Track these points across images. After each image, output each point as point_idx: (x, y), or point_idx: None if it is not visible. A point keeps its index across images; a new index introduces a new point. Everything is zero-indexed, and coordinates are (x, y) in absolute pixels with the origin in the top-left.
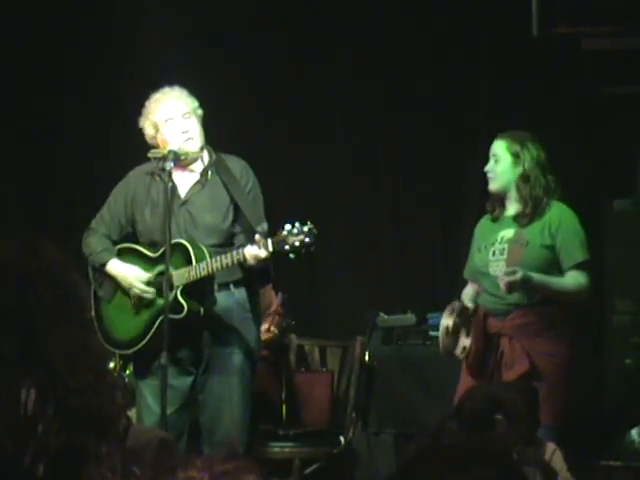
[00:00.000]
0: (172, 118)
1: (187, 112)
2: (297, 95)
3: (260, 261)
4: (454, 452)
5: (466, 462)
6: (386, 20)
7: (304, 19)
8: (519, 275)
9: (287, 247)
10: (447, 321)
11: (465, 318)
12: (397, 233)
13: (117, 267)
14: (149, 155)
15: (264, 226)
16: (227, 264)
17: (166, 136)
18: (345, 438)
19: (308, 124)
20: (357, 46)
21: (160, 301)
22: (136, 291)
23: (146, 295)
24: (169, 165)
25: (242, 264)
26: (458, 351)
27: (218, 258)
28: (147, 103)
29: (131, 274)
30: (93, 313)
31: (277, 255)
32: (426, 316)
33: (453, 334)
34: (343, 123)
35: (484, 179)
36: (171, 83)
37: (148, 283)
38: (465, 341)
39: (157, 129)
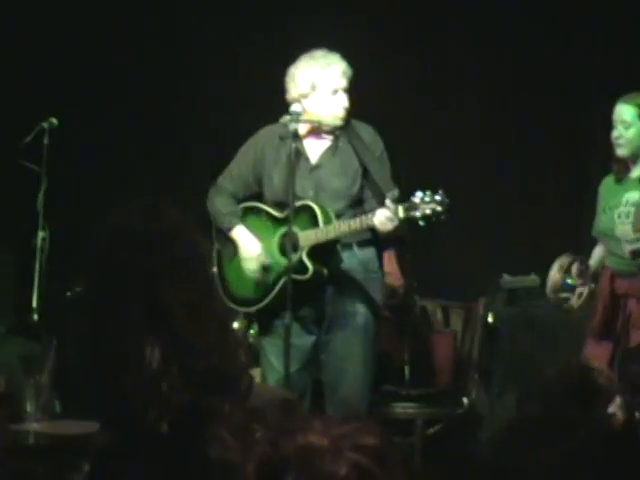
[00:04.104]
0: (338, 90)
1: (348, 86)
2: (428, 61)
3: (389, 227)
4: (540, 423)
5: (551, 432)
6: None
7: None
8: None
9: (418, 214)
10: (562, 260)
11: (583, 278)
12: (522, 194)
13: (242, 236)
14: (281, 121)
15: (395, 192)
16: (356, 228)
17: (323, 103)
18: (468, 399)
19: (438, 90)
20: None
21: (284, 261)
22: (246, 266)
23: (253, 275)
24: (294, 126)
25: (372, 229)
26: (574, 300)
27: (347, 222)
28: (312, 60)
29: (252, 250)
30: (216, 271)
31: (407, 222)
32: None
33: (565, 272)
34: (473, 91)
35: (609, 142)
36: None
37: (264, 267)
38: (581, 289)
39: (314, 90)
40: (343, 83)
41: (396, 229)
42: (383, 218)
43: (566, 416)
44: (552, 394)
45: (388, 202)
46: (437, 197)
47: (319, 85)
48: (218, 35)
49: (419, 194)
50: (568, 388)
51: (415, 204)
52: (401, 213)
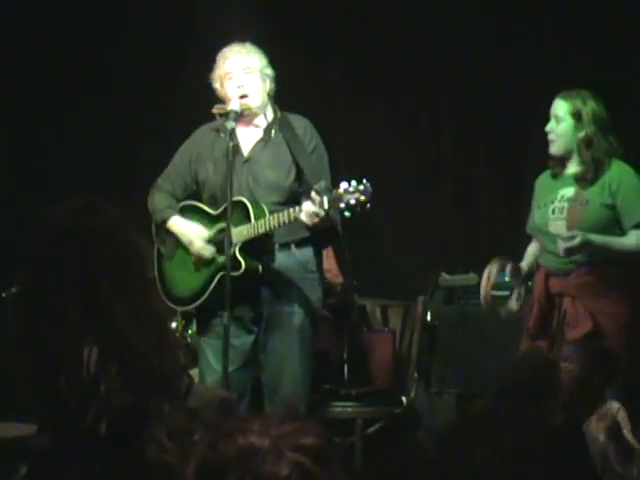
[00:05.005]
0: (232, 72)
1: (248, 67)
2: (362, 56)
3: (317, 219)
4: (484, 420)
5: (495, 430)
6: None
7: None
8: (577, 240)
9: (342, 205)
10: (490, 269)
11: (517, 279)
12: (459, 192)
13: (178, 224)
14: (213, 110)
15: (322, 184)
16: (284, 221)
17: (227, 90)
18: (407, 398)
19: (374, 87)
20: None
21: (220, 258)
22: (195, 248)
23: (205, 253)
24: (230, 124)
25: (303, 223)
26: (512, 302)
27: (275, 215)
28: (217, 57)
29: (192, 231)
30: (155, 270)
31: (336, 213)
32: None
33: (492, 285)
34: (409, 89)
35: (545, 140)
36: (243, 40)
37: (208, 240)
38: (518, 289)
39: (222, 84)
40: (240, 66)
41: (324, 221)
42: (309, 210)
43: (509, 414)
44: (507, 387)
45: (314, 194)
46: (360, 187)
47: (222, 75)
48: (161, 31)
49: (343, 185)
50: (525, 381)
51: (339, 195)
52: (326, 204)
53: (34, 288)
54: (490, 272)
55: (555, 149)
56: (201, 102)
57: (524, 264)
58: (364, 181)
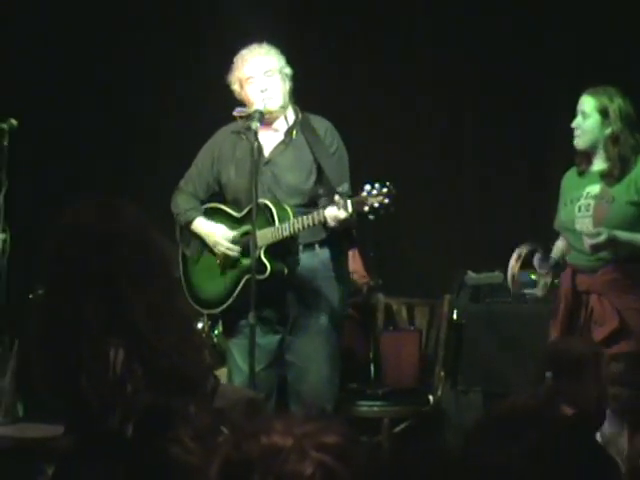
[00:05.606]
0: (254, 76)
1: (270, 70)
2: (380, 52)
3: (340, 222)
4: (510, 419)
5: (520, 429)
6: None
7: None
8: (603, 237)
9: (366, 208)
10: (521, 250)
11: (545, 268)
12: (484, 189)
13: (203, 225)
14: (234, 114)
15: (345, 187)
16: (308, 225)
17: (249, 94)
18: (434, 396)
19: (394, 85)
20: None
21: (245, 261)
22: (221, 249)
23: (230, 253)
24: (255, 125)
25: (324, 225)
26: (539, 291)
27: (300, 219)
28: (234, 59)
29: (217, 232)
30: (181, 273)
31: (357, 216)
32: None
33: (524, 263)
34: (429, 87)
35: (571, 132)
36: (260, 40)
37: (233, 242)
38: (545, 279)
39: (241, 86)
40: (261, 69)
41: (346, 223)
42: (333, 213)
43: (534, 413)
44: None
45: (337, 197)
46: (384, 189)
47: (242, 79)
48: (182, 35)
49: (367, 187)
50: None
51: (363, 198)
52: (350, 208)
53: (53, 288)
54: (520, 253)
55: (580, 143)
56: (220, 100)
57: (553, 254)
58: (387, 184)
